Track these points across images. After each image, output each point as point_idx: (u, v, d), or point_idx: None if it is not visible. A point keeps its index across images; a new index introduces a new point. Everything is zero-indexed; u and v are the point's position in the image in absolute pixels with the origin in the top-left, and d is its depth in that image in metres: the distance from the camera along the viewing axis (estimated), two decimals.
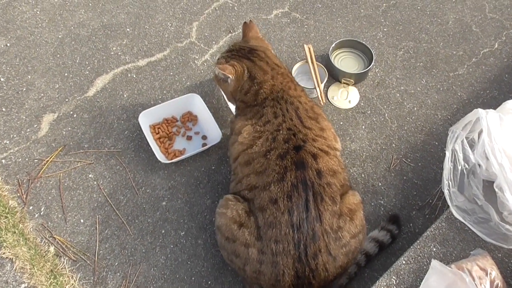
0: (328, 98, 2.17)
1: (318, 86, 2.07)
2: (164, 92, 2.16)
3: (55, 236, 1.73)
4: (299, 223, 1.30)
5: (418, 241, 1.53)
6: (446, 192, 1.57)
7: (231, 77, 1.60)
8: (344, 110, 2.13)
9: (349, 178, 1.66)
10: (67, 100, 2.12)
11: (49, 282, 1.59)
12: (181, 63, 2.29)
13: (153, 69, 2.26)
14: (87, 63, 2.27)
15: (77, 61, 2.27)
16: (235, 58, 1.64)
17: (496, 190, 1.47)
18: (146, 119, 1.97)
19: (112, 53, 2.32)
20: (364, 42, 2.31)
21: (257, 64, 1.60)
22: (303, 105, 1.53)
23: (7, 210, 1.74)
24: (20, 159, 1.91)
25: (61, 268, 1.66)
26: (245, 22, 1.79)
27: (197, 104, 2.03)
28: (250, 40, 1.73)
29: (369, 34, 2.47)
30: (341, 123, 2.08)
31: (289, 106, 1.50)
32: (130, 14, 2.51)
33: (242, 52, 1.66)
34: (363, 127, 2.07)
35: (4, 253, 1.61)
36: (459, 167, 1.56)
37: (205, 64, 2.29)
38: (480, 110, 1.55)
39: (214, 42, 2.39)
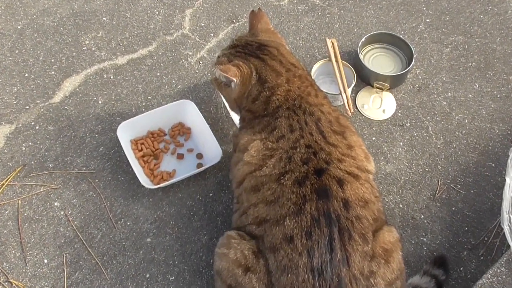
0: (357, 107, 2.20)
1: (345, 92, 2.10)
2: (149, 97, 2.19)
3: (11, 280, 1.74)
4: (321, 267, 1.31)
5: None
6: (506, 228, 1.57)
7: (235, 80, 1.63)
8: (377, 121, 2.16)
9: (384, 209, 1.67)
10: (27, 107, 2.15)
11: None
12: (170, 61, 2.32)
13: (135, 69, 2.29)
14: (53, 60, 2.30)
15: (41, 58, 2.31)
16: (240, 56, 1.67)
17: None
18: (126, 133, 2.00)
19: (85, 48, 2.36)
20: (401, 36, 2.34)
21: (269, 64, 1.63)
22: (326, 115, 1.55)
23: None
24: None
25: None
26: (252, 11, 1.82)
27: (191, 114, 2.06)
28: (259, 34, 1.76)
29: (408, 26, 2.50)
30: (373, 138, 2.10)
31: (308, 117, 1.52)
32: None
33: (249, 49, 1.68)
34: (401, 143, 2.09)
35: None
36: None
37: (200, 62, 2.32)
38: None
39: (212, 35, 2.43)
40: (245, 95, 1.65)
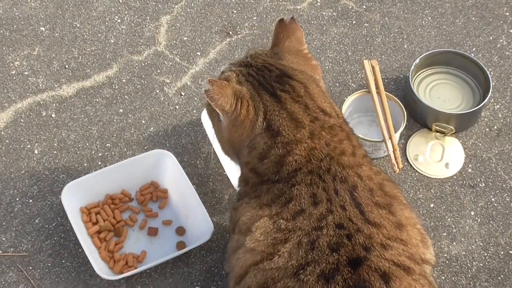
0: (408, 159, 2.25)
1: (390, 138, 2.14)
2: (108, 145, 2.24)
3: None
4: None
5: None
6: None
7: (221, 114, 1.65)
8: (437, 180, 2.20)
9: None
10: None
11: None
12: (139, 91, 2.38)
13: (88, 103, 2.34)
14: None
15: None
16: (252, 84, 1.68)
17: None
18: (75, 197, 2.03)
19: (13, 72, 2.41)
20: (473, 56, 2.39)
21: (287, 108, 1.64)
22: (365, 182, 1.58)
23: None
24: None
25: None
26: (281, 20, 1.81)
27: (169, 169, 2.11)
28: (285, 56, 1.76)
29: (483, 40, 2.55)
30: (432, 205, 2.14)
31: (339, 184, 1.55)
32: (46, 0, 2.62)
33: (265, 76, 1.69)
34: (472, 213, 2.13)
35: None
36: None
37: (182, 93, 2.38)
38: None
39: (199, 53, 2.49)
40: (245, 144, 1.68)
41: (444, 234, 2.08)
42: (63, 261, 2.00)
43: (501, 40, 2.56)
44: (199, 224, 2.01)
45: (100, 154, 2.22)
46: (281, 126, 1.61)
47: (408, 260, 1.48)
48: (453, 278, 2.00)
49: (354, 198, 1.53)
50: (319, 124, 1.63)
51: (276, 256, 1.48)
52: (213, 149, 2.01)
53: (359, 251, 1.44)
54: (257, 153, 1.65)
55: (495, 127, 2.33)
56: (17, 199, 2.12)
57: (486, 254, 2.05)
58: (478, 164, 2.24)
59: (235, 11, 2.62)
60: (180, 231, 2.06)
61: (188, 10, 2.61)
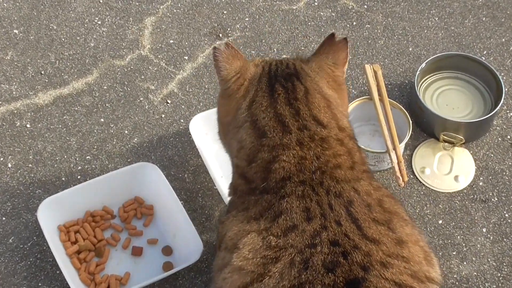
0: (413, 172, 2.27)
1: (394, 149, 2.16)
2: (88, 158, 2.26)
3: None
4: None
5: None
6: None
7: (217, 77, 1.72)
8: (445, 195, 2.22)
9: None
10: None
11: None
12: (121, 99, 2.40)
13: (66, 111, 2.36)
14: None
15: None
16: (263, 68, 1.74)
17: None
18: (52, 214, 2.04)
19: None
20: (483, 59, 2.41)
21: (277, 108, 1.67)
22: (362, 197, 1.59)
23: None
24: None
25: None
26: (332, 35, 1.83)
27: (154, 184, 2.12)
28: (312, 63, 1.79)
29: (494, 42, 2.57)
30: (440, 221, 2.15)
31: (333, 199, 1.56)
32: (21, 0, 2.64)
33: (279, 69, 1.74)
34: (484, 230, 2.14)
35: None
36: None
37: (169, 101, 2.40)
38: None
39: (187, 58, 2.51)
40: (230, 130, 1.73)
41: (454, 253, 2.09)
42: (40, 284, 2.01)
43: None
44: (188, 243, 2.02)
45: (79, 168, 2.23)
46: (267, 126, 1.64)
47: (411, 278, 1.48)
48: None
49: (350, 214, 1.53)
50: (308, 134, 1.63)
51: (266, 277, 1.47)
52: (204, 161, 2.03)
53: (357, 271, 1.44)
54: (245, 154, 1.67)
55: (509, 137, 2.34)
56: None
57: (499, 274, 2.06)
58: (490, 177, 2.25)
59: (225, 12, 2.63)
60: (167, 250, 2.07)
61: (175, 10, 2.63)
